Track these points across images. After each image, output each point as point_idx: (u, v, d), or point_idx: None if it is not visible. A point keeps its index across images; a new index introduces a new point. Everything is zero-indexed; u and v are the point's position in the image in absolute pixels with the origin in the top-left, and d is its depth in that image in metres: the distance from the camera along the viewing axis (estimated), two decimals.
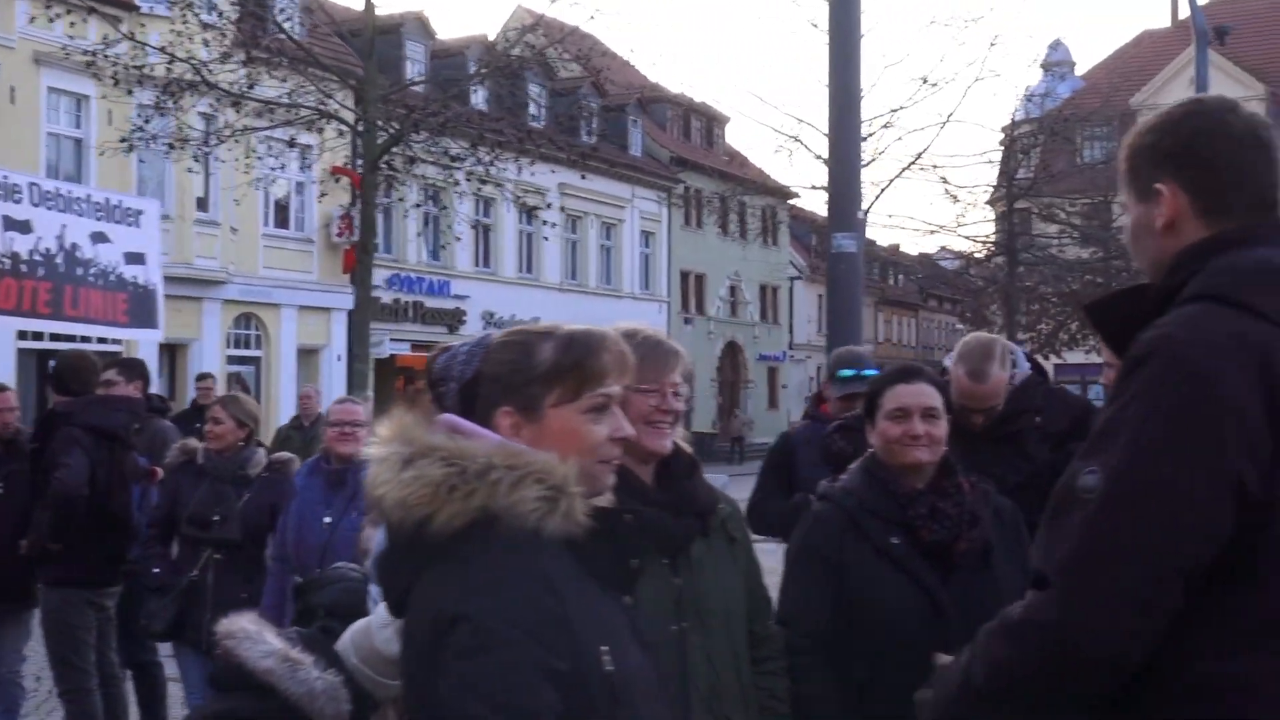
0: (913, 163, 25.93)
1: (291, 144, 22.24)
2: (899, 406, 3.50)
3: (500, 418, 2.27)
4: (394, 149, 20.01)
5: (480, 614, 2.02)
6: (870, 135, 26.19)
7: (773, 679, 3.33)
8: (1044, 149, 40.84)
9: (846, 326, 8.58)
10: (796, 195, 47.03)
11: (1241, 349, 2.04)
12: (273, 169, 24.46)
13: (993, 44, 30.18)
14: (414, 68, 32.10)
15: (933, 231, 34.35)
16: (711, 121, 49.81)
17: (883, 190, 27.76)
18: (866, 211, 30.50)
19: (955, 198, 29.46)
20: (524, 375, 2.28)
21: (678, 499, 3.12)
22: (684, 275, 46.80)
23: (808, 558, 3.52)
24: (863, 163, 30.61)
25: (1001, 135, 31.07)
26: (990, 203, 40.89)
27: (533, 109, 34.74)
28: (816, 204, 77.05)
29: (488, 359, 2.33)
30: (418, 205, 25.43)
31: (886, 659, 3.32)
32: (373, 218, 20.81)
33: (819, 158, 27.82)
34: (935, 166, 27.81)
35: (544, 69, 36.78)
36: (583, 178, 30.39)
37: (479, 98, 30.14)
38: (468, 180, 20.74)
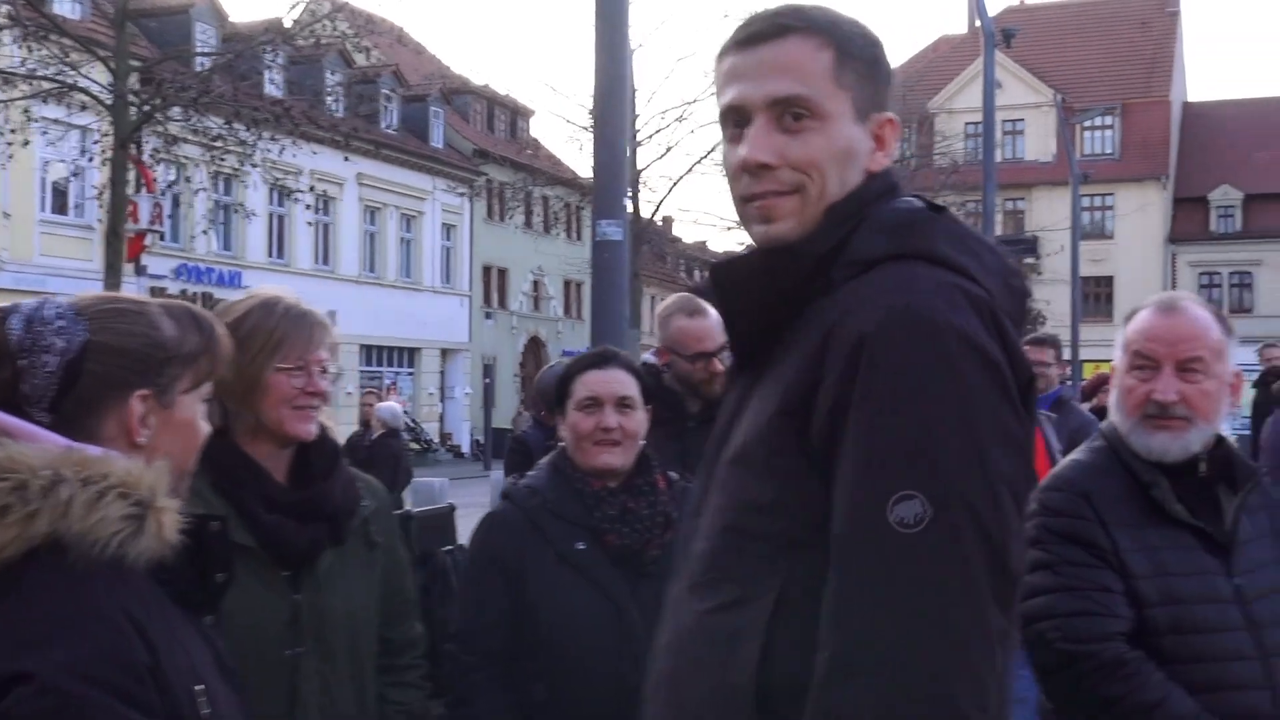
0: (706, 156, 25.86)
1: (65, 122, 21.14)
2: (590, 395, 3.17)
3: (134, 403, 1.83)
4: (155, 127, 19.11)
5: (46, 671, 1.58)
6: (664, 129, 26.14)
7: (405, 690, 2.97)
8: None
9: (611, 318, 8.25)
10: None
11: (981, 313, 1.70)
12: (47, 150, 23.28)
13: None
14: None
15: (730, 228, 34.41)
16: (515, 114, 49.36)
17: (675, 183, 27.70)
18: (659, 204, 30.54)
19: None
20: (162, 352, 1.86)
21: (308, 502, 2.74)
22: (486, 269, 46.27)
23: (484, 565, 3.17)
24: (657, 156, 30.70)
25: None
26: None
27: (330, 96, 33.99)
28: None
29: (100, 327, 1.84)
30: (201, 189, 24.37)
31: (568, 677, 3.01)
32: (123, 198, 19.84)
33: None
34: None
35: (342, 57, 36.06)
36: (343, 158, 29.35)
37: (276, 85, 29.18)
38: (231, 158, 19.87)
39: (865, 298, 1.72)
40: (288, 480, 2.77)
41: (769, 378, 1.81)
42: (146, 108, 18.95)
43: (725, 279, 1.89)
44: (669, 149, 26.70)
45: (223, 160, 20.09)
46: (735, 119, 1.85)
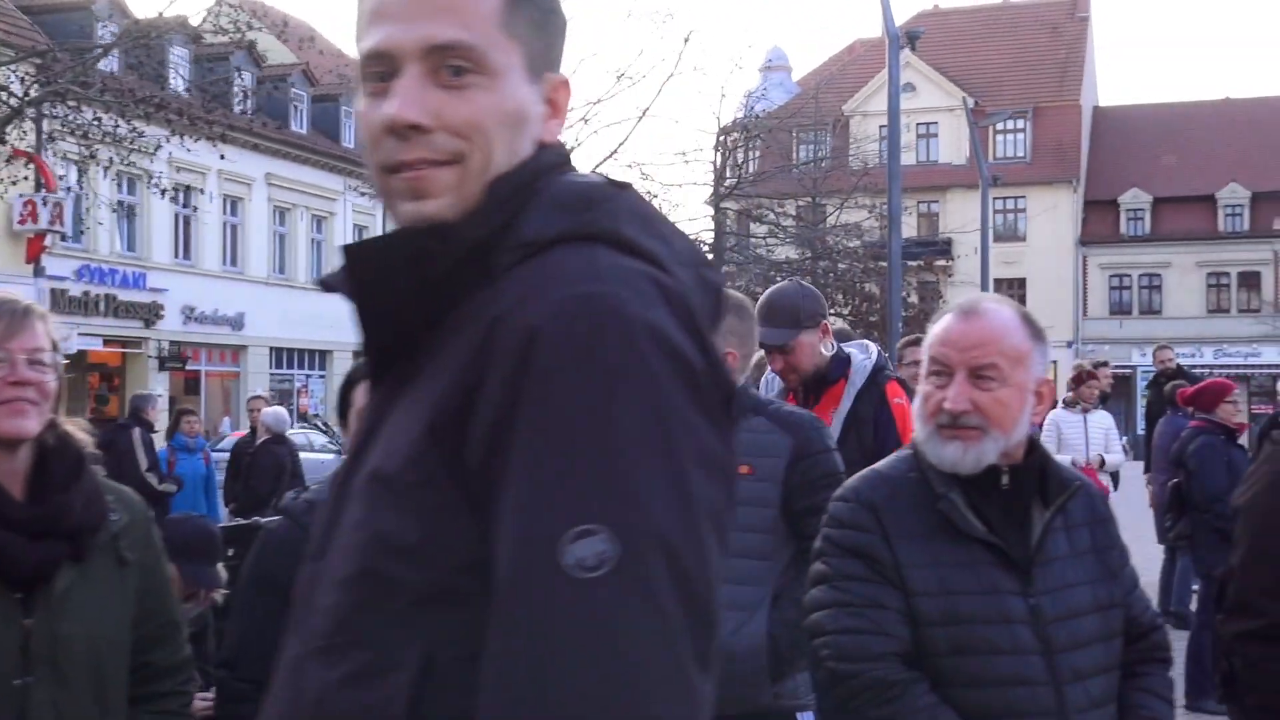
0: (609, 157, 25.79)
1: None
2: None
3: None
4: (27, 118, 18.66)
5: None
6: (566, 129, 26.02)
7: (164, 719, 2.79)
8: (762, 151, 41.57)
9: None
10: None
11: (676, 308, 1.40)
12: None
13: (686, 39, 30.44)
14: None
15: None
16: None
17: None
18: None
19: (652, 194, 29.49)
20: None
21: (41, 517, 2.56)
22: None
23: (257, 587, 3.01)
24: None
25: (715, 135, 31.16)
26: (711, 202, 41.46)
27: (237, 95, 33.51)
28: None
29: None
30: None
31: None
32: None
33: None
34: (641, 165, 27.76)
35: (250, 55, 35.60)
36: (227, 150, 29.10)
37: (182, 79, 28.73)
38: (118, 156, 19.45)
39: (536, 287, 1.38)
40: (24, 492, 2.58)
41: (414, 387, 1.47)
42: (26, 98, 18.45)
43: (360, 266, 1.51)
44: (572, 150, 26.64)
45: (126, 158, 19.65)
46: (379, 69, 1.50)
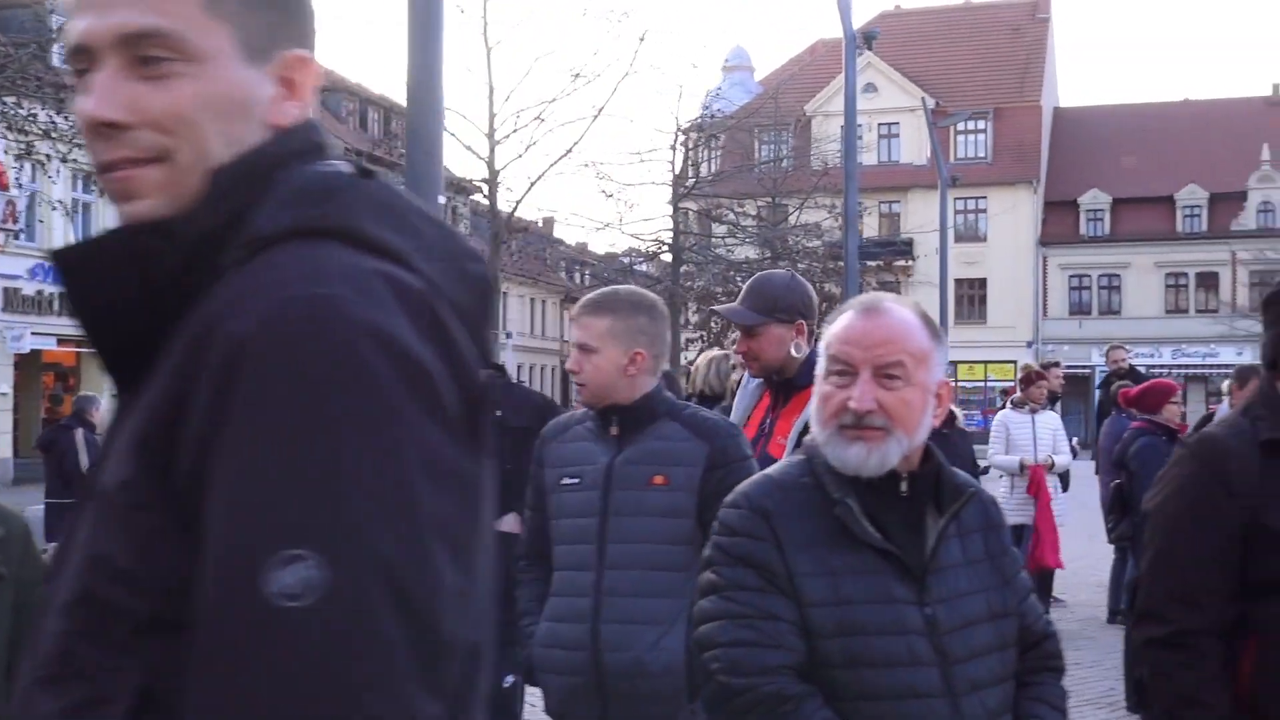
0: (564, 156, 25.72)
1: None
2: None
3: None
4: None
5: None
6: (521, 128, 25.90)
7: None
8: (723, 151, 41.59)
9: None
10: (479, 189, 46.61)
11: (413, 309, 1.30)
12: None
13: (642, 38, 30.32)
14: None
15: (600, 228, 34.31)
16: (390, 113, 48.77)
17: (534, 183, 27.50)
18: (518, 202, 30.34)
19: (607, 194, 29.47)
20: None
21: None
22: None
23: None
24: (517, 155, 30.50)
25: (673, 134, 31.13)
26: (671, 202, 41.44)
27: None
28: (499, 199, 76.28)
29: None
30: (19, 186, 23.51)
31: None
32: None
33: (468, 147, 27.41)
34: (601, 163, 27.69)
35: None
36: None
37: None
38: (55, 152, 19.19)
39: (250, 289, 1.27)
40: None
41: (138, 399, 1.35)
42: None
43: (77, 270, 1.39)
44: (528, 148, 26.48)
45: (67, 154, 19.39)
46: (81, 65, 1.39)
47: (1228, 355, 50.90)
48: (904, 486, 2.50)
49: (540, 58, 52.49)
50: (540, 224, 52.76)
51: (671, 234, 31.07)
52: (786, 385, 4.50)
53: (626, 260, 41.40)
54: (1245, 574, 2.76)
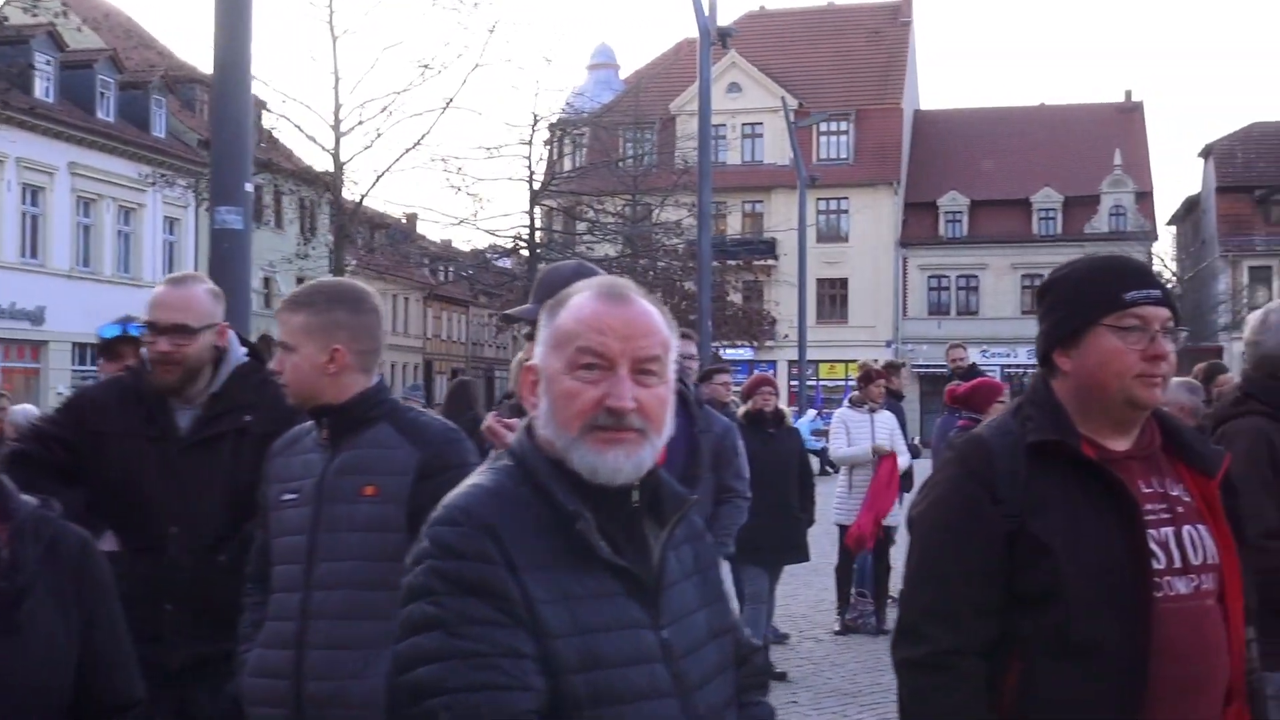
0: (411, 149, 25.25)
1: None
2: None
3: None
4: None
5: None
6: (368, 120, 25.41)
7: None
8: (588, 148, 41.33)
9: (232, 316, 7.62)
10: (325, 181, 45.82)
11: None
12: None
13: (491, 30, 29.84)
14: None
15: (455, 224, 33.77)
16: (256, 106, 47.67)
17: (380, 176, 27.00)
18: (364, 195, 29.79)
19: (456, 188, 29.01)
20: None
21: None
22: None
23: None
24: (364, 147, 29.94)
25: (530, 130, 30.71)
26: (529, 198, 41.06)
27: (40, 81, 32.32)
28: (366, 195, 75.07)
29: None
30: None
31: None
32: None
33: (310, 138, 26.86)
34: (454, 158, 27.22)
35: (52, 38, 34.32)
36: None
37: None
38: None
39: None
40: None
41: None
42: None
43: None
44: (375, 140, 25.96)
45: None
46: None
47: None
48: (636, 496, 2.19)
49: (389, 48, 51.58)
50: (404, 220, 52.06)
51: (529, 230, 30.62)
52: None
53: (490, 256, 40.98)
54: (1010, 587, 2.54)
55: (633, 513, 2.19)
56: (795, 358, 47.78)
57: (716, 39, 21.80)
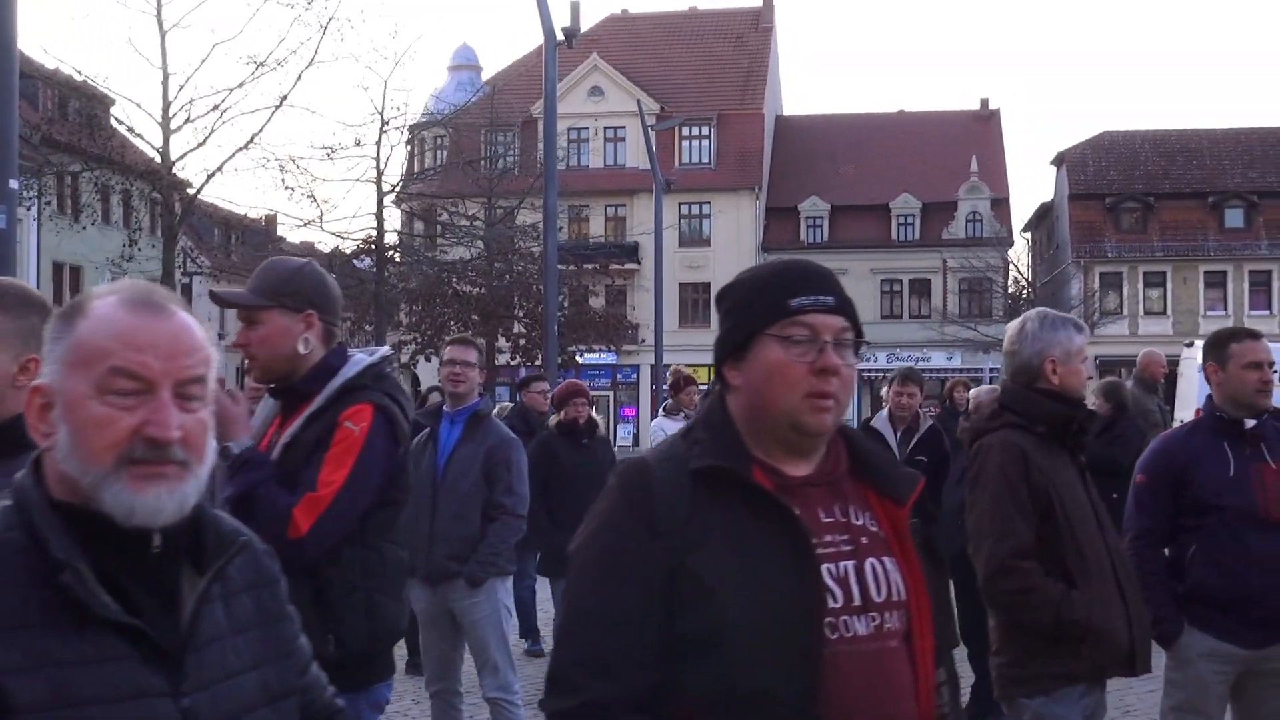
0: (244, 148, 24.62)
1: None
2: None
3: None
4: None
5: None
6: (198, 117, 24.68)
7: None
8: (448, 149, 40.78)
9: None
10: (190, 185, 44.65)
11: None
12: None
13: (324, 27, 28.94)
14: None
15: (301, 225, 33.04)
16: (93, 101, 46.26)
17: (211, 175, 26.28)
18: (196, 193, 28.99)
19: (291, 189, 28.35)
20: None
21: None
22: (57, 267, 43.21)
23: None
24: (193, 146, 29.12)
25: (378, 131, 30.09)
26: (398, 201, 40.37)
27: None
28: (218, 195, 73.63)
29: None
30: None
31: None
32: None
33: (138, 135, 26.06)
34: (295, 159, 26.56)
35: None
36: None
37: None
38: None
39: None
40: None
41: None
42: None
43: None
44: (206, 138, 25.24)
45: None
46: None
47: (939, 359, 52.67)
48: (157, 540, 1.85)
49: (220, 43, 50.37)
50: (264, 221, 50.99)
51: (377, 233, 30.01)
52: (290, 392, 3.85)
53: (354, 260, 40.20)
54: (671, 631, 2.24)
55: (159, 560, 1.86)
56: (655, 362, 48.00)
57: (562, 37, 21.48)
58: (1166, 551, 4.96)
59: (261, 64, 24.96)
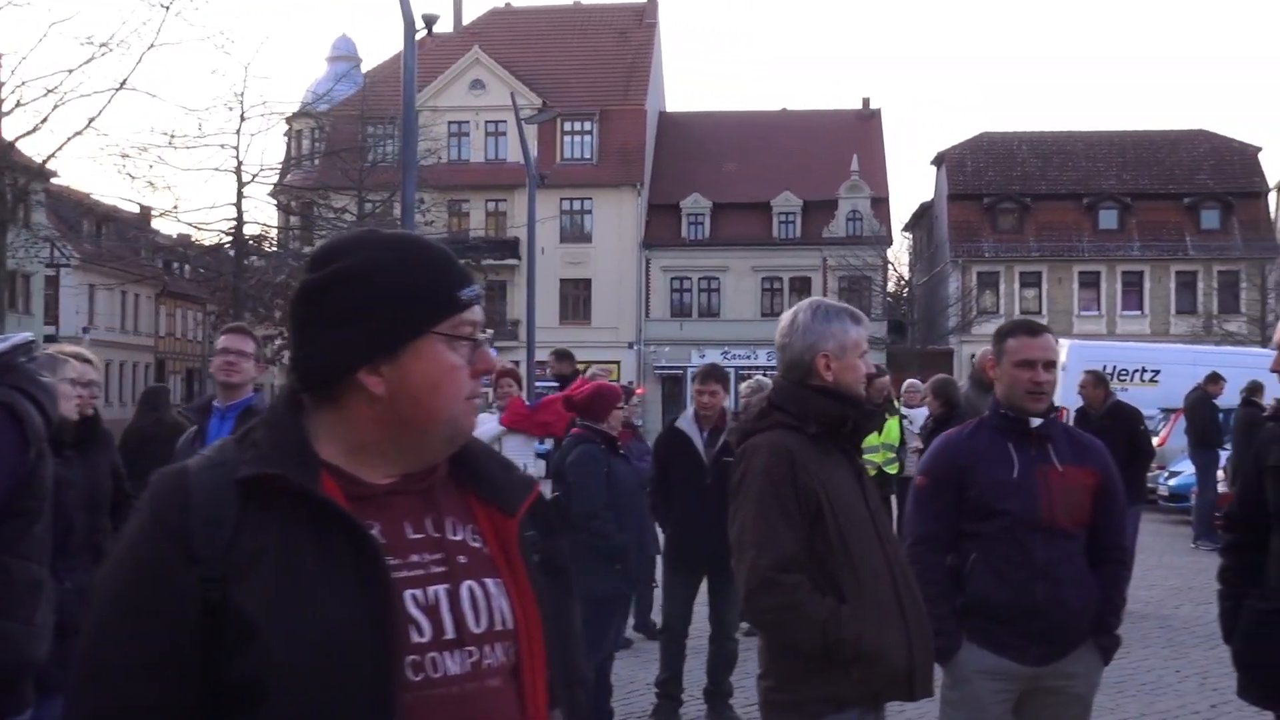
0: (80, 133, 23.75)
1: None
2: None
3: None
4: None
5: None
6: (29, 101, 23.76)
7: None
8: (327, 142, 40.00)
9: None
10: (55, 174, 43.24)
11: None
12: None
13: (168, 8, 27.63)
14: None
15: (159, 215, 32.06)
16: None
17: (47, 160, 25.33)
18: (28, 181, 27.97)
19: (132, 176, 27.48)
20: None
21: None
22: None
23: None
24: (27, 130, 28.05)
25: (238, 120, 29.18)
26: (274, 194, 39.46)
27: None
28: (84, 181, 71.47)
29: None
30: None
31: None
32: None
33: None
34: (139, 147, 25.67)
35: None
36: None
37: None
38: None
39: None
40: None
41: None
42: None
43: None
44: (42, 121, 24.25)
45: None
46: None
47: None
48: None
49: (57, 23, 48.84)
50: (139, 211, 49.63)
51: (236, 224, 29.11)
52: None
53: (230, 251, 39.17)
54: (216, 682, 1.82)
55: None
56: (536, 358, 47.40)
57: (422, 25, 20.95)
58: (949, 560, 4.62)
59: (104, 45, 23.98)
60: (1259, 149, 58.78)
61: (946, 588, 4.54)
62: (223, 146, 28.74)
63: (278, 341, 37.05)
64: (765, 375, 9.18)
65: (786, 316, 4.08)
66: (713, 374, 8.44)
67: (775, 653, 3.94)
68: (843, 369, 3.95)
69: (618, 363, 48.95)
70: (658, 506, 7.06)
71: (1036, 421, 4.56)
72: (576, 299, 57.05)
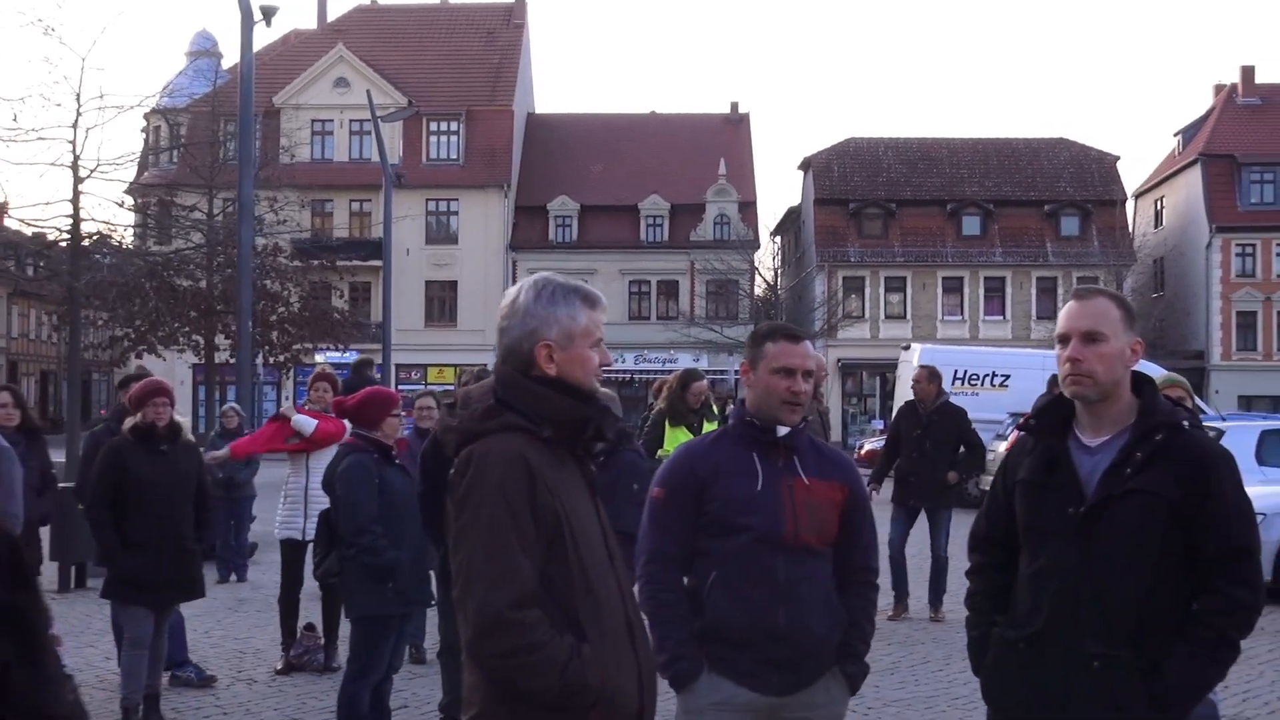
0: None
1: None
2: None
3: None
4: None
5: None
6: None
7: None
8: (185, 138, 38.92)
9: None
10: None
11: None
12: None
13: None
14: None
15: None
16: None
17: None
18: None
19: None
20: None
21: None
22: None
23: None
24: None
25: (74, 113, 28.08)
26: (129, 191, 38.25)
27: None
28: None
29: None
30: None
31: None
32: None
33: None
34: None
35: None
36: None
37: None
38: None
39: None
40: None
41: None
42: None
43: None
44: None
45: None
46: None
47: (685, 361, 52.57)
48: None
49: None
50: None
51: (73, 221, 28.03)
52: None
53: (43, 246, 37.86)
54: None
55: None
56: (401, 361, 46.65)
57: (260, 17, 20.35)
58: (685, 580, 4.25)
59: None
60: (1117, 158, 59.89)
61: (685, 609, 4.17)
62: (54, 140, 27.57)
63: (124, 343, 35.99)
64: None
65: (509, 294, 3.40)
66: (432, 393, 8.04)
67: (496, 696, 3.15)
68: (569, 361, 3.26)
69: (484, 365, 48.34)
70: (426, 522, 6.63)
71: (784, 430, 4.21)
72: (442, 301, 56.36)
